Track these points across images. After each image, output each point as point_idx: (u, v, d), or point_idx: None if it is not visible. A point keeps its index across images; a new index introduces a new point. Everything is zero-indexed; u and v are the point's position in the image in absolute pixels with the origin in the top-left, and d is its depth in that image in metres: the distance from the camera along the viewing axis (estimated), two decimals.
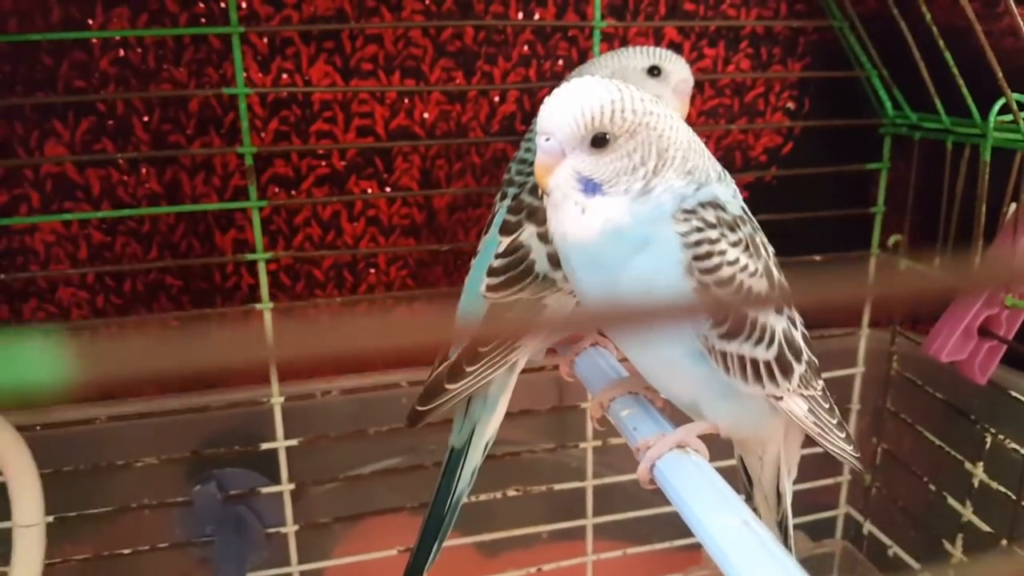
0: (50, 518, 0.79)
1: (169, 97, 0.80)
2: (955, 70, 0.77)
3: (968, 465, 0.86)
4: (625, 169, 0.47)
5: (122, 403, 0.85)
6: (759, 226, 0.53)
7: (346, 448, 0.89)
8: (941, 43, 0.76)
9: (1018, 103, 0.75)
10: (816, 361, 0.55)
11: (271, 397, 0.83)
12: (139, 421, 0.83)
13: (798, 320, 0.54)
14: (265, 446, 0.84)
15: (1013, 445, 0.81)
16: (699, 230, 0.48)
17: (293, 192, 0.86)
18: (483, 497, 0.89)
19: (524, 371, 0.76)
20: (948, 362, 0.81)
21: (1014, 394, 0.81)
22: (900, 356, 0.98)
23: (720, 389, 0.52)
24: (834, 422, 0.56)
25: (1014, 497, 0.79)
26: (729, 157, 0.95)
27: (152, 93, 0.79)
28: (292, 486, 0.86)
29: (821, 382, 0.55)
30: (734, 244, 0.49)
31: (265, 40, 0.81)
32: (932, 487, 0.91)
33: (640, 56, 0.70)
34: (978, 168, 0.80)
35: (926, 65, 0.81)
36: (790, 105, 0.94)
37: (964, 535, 0.87)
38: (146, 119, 0.81)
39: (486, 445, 0.69)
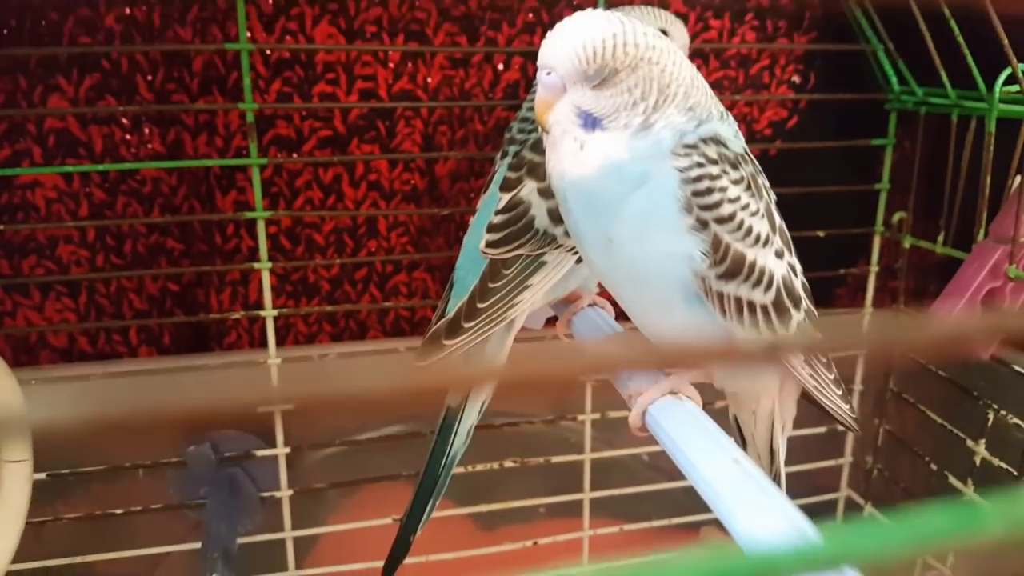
0: (43, 475, 0.79)
1: (174, 55, 0.81)
2: (960, 39, 0.77)
3: (970, 443, 0.85)
4: (625, 104, 0.47)
5: (118, 362, 0.85)
6: (761, 169, 0.53)
7: (343, 414, 0.88)
8: (947, 12, 0.76)
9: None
10: (816, 313, 0.54)
11: (268, 359, 0.83)
12: (135, 380, 0.83)
13: (798, 268, 0.53)
14: (260, 408, 0.84)
15: (1015, 420, 0.79)
16: (700, 165, 0.47)
17: (295, 154, 0.86)
18: (480, 468, 0.89)
19: (524, 340, 0.76)
20: None
21: (1017, 368, 0.80)
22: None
23: (715, 334, 0.51)
24: (831, 377, 0.56)
25: (1015, 473, 0.78)
26: None
27: (155, 47, 0.79)
28: (287, 450, 0.86)
29: (820, 335, 0.55)
30: (736, 182, 0.48)
31: (270, 0, 0.81)
32: (934, 467, 0.90)
33: (650, 18, 0.70)
34: (983, 141, 0.79)
35: (932, 38, 0.81)
36: (795, 79, 0.94)
37: None
38: (150, 77, 0.81)
39: (482, 405, 0.69)
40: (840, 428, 1.03)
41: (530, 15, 0.86)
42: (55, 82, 0.79)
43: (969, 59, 0.77)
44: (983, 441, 0.83)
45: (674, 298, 0.50)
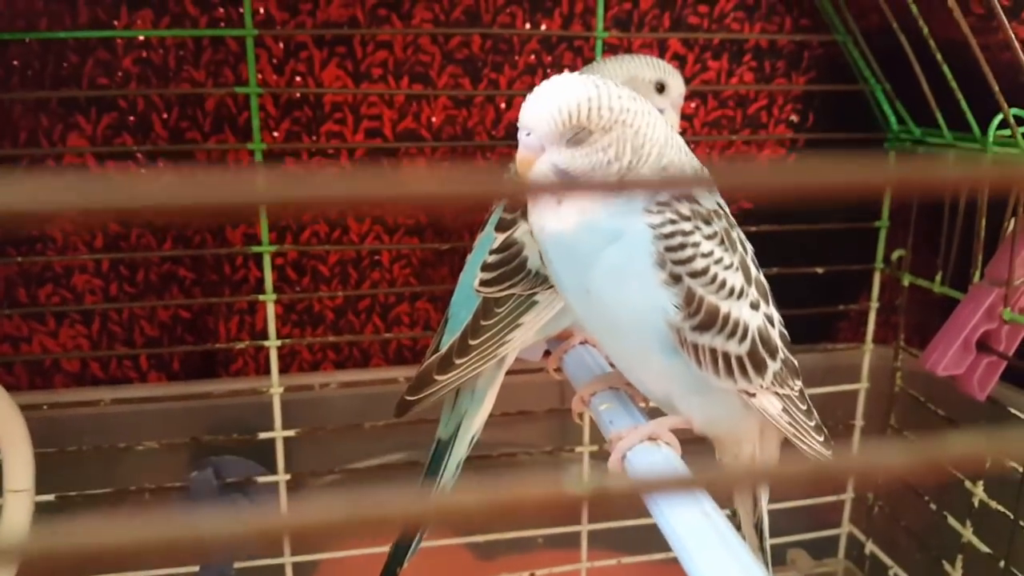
0: (51, 496, 0.82)
1: (187, 95, 0.84)
2: (954, 84, 0.77)
3: (968, 484, 0.84)
4: (600, 163, 0.49)
5: (127, 387, 0.88)
6: (736, 223, 0.54)
7: (344, 442, 0.90)
8: (939, 56, 0.77)
9: (1017, 117, 0.74)
10: (794, 362, 0.55)
11: (271, 387, 0.86)
12: (142, 406, 0.86)
13: (776, 318, 0.54)
14: (263, 435, 0.86)
15: (1012, 464, 0.79)
16: (672, 222, 0.49)
17: None
18: None
19: (524, 372, 0.78)
20: (946, 376, 0.80)
21: (1013, 411, 0.80)
22: (904, 372, 0.97)
23: (692, 383, 0.52)
24: (811, 424, 0.56)
25: (1011, 517, 0.78)
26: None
27: (169, 90, 0.82)
28: (288, 476, 0.88)
29: (799, 383, 0.56)
30: (709, 236, 0.50)
31: (280, 44, 0.84)
32: (933, 506, 0.90)
33: (649, 69, 0.71)
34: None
35: (928, 79, 0.82)
36: (793, 118, 0.95)
37: (964, 556, 0.86)
38: (165, 116, 0.85)
39: (472, 439, 0.70)
40: None
41: (531, 57, 0.89)
42: (74, 121, 0.83)
43: (963, 103, 0.78)
44: (981, 483, 0.83)
45: (650, 348, 0.52)
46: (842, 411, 1.03)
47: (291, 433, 0.87)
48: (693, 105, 0.93)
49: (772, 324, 0.53)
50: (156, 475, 0.87)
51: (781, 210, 0.97)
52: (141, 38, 0.82)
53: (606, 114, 0.48)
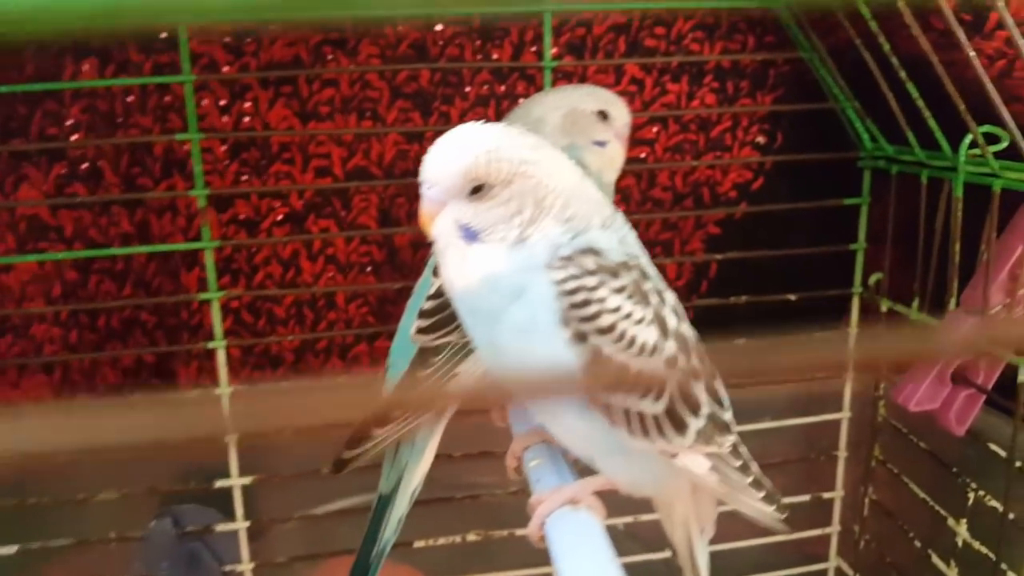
0: (14, 549, 0.82)
1: (136, 142, 0.84)
2: (920, 102, 0.74)
3: (951, 522, 0.80)
4: (502, 217, 0.47)
5: None
6: (654, 272, 0.51)
7: (304, 487, 0.89)
8: (903, 74, 0.73)
9: (988, 135, 0.70)
10: (724, 417, 0.52)
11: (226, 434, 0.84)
12: (103, 454, 0.85)
13: (700, 371, 0.51)
14: (220, 483, 0.85)
15: (994, 503, 0.75)
16: (575, 277, 0.46)
17: (254, 232, 0.87)
18: (442, 541, 0.88)
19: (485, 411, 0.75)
20: (919, 411, 0.76)
21: (993, 447, 0.75)
22: (888, 401, 0.93)
23: (610, 443, 0.50)
24: (748, 480, 0.53)
25: (994, 558, 0.73)
26: (697, 193, 0.92)
27: (105, 140, 0.82)
28: (247, 524, 0.87)
29: (732, 437, 0.52)
30: (616, 291, 0.47)
31: (226, 87, 0.83)
32: (918, 543, 0.85)
33: (590, 99, 0.69)
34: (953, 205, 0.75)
35: (897, 96, 0.78)
36: (759, 139, 0.91)
37: None
38: (115, 164, 0.84)
39: (413, 493, 0.68)
40: (826, 496, 0.99)
41: (483, 88, 0.86)
42: (24, 172, 0.83)
43: (931, 121, 0.74)
44: (964, 521, 0.79)
45: (562, 408, 0.49)
46: (826, 441, 0.99)
47: (247, 480, 0.86)
48: (655, 130, 0.90)
49: (696, 378, 0.50)
50: (119, 525, 0.87)
51: (749, 235, 0.94)
52: (87, 89, 0.81)
53: (506, 166, 0.46)
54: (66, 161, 0.83)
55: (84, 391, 0.90)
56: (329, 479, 0.88)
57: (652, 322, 0.48)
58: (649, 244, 0.98)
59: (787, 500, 0.57)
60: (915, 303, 0.83)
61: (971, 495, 0.78)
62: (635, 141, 0.91)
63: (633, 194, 0.93)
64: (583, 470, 0.56)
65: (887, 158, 0.86)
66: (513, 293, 0.47)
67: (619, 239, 0.50)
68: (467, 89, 0.86)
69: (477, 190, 0.47)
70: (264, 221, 0.87)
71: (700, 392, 0.50)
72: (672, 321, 0.49)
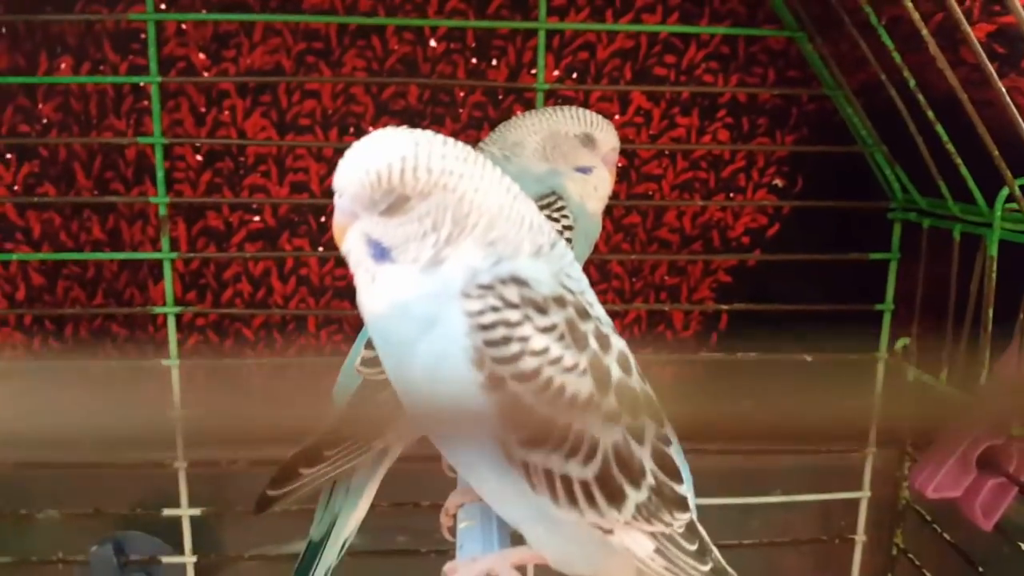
0: None
1: (110, 144, 0.80)
2: (951, 147, 0.65)
3: None
4: (415, 234, 0.40)
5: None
6: (602, 314, 0.44)
7: (256, 523, 0.82)
8: (931, 114, 0.64)
9: None
10: (678, 491, 0.44)
11: (176, 461, 0.79)
12: (43, 472, 0.81)
13: (648, 434, 0.43)
14: (168, 512, 0.80)
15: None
16: (495, 309, 0.39)
17: (224, 246, 0.83)
18: None
19: (422, 460, 0.68)
20: (938, 499, 0.65)
21: (1022, 545, 0.64)
22: (912, 482, 0.82)
23: (534, 509, 0.42)
24: (704, 569, 0.44)
25: None
26: (707, 236, 0.84)
27: (66, 140, 0.78)
28: (194, 559, 0.80)
29: (684, 515, 0.44)
30: (543, 330, 0.40)
31: (203, 93, 0.79)
32: None
33: (573, 122, 0.63)
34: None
35: (927, 140, 0.69)
36: (777, 182, 0.83)
37: None
38: (88, 166, 0.81)
39: (345, 542, 0.61)
40: None
41: (476, 111, 0.81)
42: None
43: (962, 169, 0.65)
44: None
45: (479, 462, 0.42)
46: (844, 522, 0.88)
47: (197, 512, 0.80)
48: (663, 166, 0.83)
49: (642, 442, 0.42)
50: (65, 546, 0.82)
51: (763, 286, 0.85)
52: (61, 86, 0.78)
53: (423, 176, 0.40)
54: (38, 160, 0.80)
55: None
56: (278, 519, 0.81)
57: (586, 372, 0.40)
58: (655, 288, 0.91)
59: None
60: (943, 374, 0.73)
61: None
62: (641, 176, 0.84)
63: (639, 233, 0.86)
64: (516, 538, 0.48)
65: (919, 210, 0.77)
66: (425, 323, 0.40)
67: (555, 271, 0.42)
68: (459, 110, 0.81)
69: (393, 202, 0.40)
70: (235, 235, 0.82)
71: (645, 458, 0.42)
72: (616, 372, 0.42)
